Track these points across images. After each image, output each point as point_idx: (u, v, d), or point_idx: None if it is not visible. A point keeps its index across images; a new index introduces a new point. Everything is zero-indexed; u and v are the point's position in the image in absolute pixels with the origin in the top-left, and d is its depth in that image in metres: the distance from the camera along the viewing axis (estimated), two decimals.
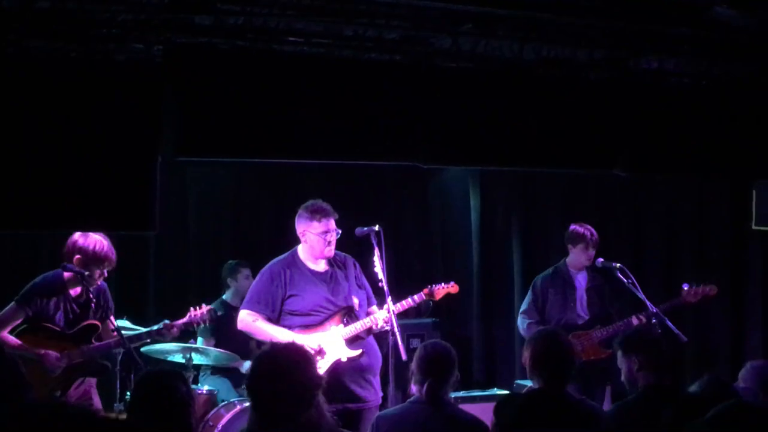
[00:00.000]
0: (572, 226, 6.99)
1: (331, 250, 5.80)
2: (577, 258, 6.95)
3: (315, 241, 5.76)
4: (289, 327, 5.71)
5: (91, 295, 5.55)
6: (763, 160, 7.19)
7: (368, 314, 5.84)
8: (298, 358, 3.28)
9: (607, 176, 7.63)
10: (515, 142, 6.65)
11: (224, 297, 7.22)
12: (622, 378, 4.54)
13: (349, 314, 5.81)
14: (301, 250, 5.87)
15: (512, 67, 6.45)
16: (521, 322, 6.97)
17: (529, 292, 7.04)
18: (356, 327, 5.75)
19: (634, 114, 6.87)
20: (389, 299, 5.59)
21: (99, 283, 5.62)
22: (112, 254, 5.56)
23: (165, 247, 7.42)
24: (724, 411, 2.74)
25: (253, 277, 7.13)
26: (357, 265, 6.00)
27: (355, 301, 5.82)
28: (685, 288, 6.78)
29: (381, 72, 6.21)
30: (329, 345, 5.67)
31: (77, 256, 5.48)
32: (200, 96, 5.90)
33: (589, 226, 6.96)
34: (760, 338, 8.52)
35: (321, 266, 5.85)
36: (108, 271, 5.62)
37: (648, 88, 6.88)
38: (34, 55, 5.50)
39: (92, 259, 5.50)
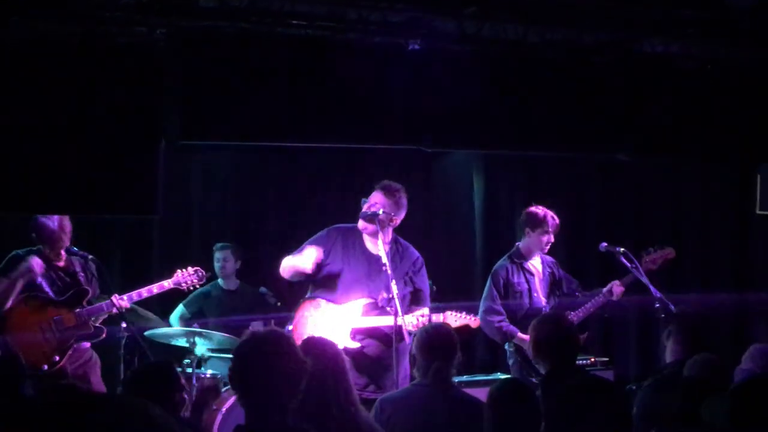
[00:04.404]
0: (531, 209, 6.63)
1: (364, 225, 5.73)
2: (534, 243, 6.61)
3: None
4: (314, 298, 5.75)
5: (77, 268, 5.91)
6: None
7: (410, 311, 5.62)
8: (278, 347, 3.20)
9: (611, 160, 7.61)
10: (519, 125, 6.63)
11: (218, 280, 7.27)
12: None
13: (373, 306, 5.73)
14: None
15: (517, 50, 6.42)
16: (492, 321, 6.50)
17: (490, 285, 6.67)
18: (368, 321, 5.70)
19: (639, 98, 6.84)
20: (393, 282, 5.55)
21: (64, 257, 5.90)
22: (64, 234, 5.85)
23: (168, 231, 7.42)
24: (746, 385, 2.74)
25: (235, 260, 7.18)
26: (419, 262, 5.89)
27: (384, 294, 5.55)
28: (645, 256, 6.52)
29: (385, 55, 6.19)
30: (331, 323, 5.64)
31: (33, 234, 5.83)
32: (203, 79, 5.88)
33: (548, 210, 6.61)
34: (763, 323, 8.51)
35: (377, 249, 5.66)
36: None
37: (653, 72, 6.85)
38: (36, 39, 5.48)
39: (47, 237, 5.83)
